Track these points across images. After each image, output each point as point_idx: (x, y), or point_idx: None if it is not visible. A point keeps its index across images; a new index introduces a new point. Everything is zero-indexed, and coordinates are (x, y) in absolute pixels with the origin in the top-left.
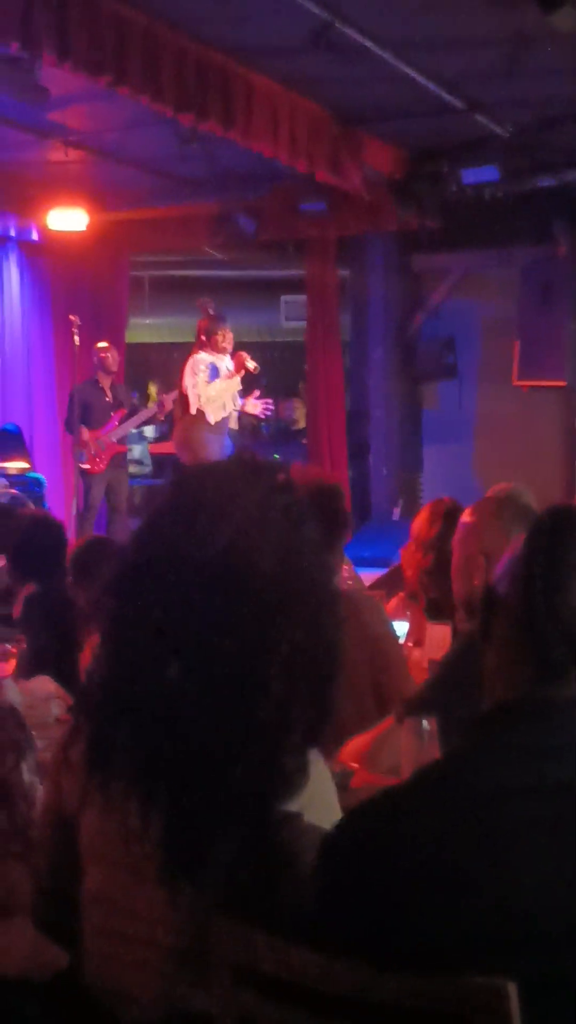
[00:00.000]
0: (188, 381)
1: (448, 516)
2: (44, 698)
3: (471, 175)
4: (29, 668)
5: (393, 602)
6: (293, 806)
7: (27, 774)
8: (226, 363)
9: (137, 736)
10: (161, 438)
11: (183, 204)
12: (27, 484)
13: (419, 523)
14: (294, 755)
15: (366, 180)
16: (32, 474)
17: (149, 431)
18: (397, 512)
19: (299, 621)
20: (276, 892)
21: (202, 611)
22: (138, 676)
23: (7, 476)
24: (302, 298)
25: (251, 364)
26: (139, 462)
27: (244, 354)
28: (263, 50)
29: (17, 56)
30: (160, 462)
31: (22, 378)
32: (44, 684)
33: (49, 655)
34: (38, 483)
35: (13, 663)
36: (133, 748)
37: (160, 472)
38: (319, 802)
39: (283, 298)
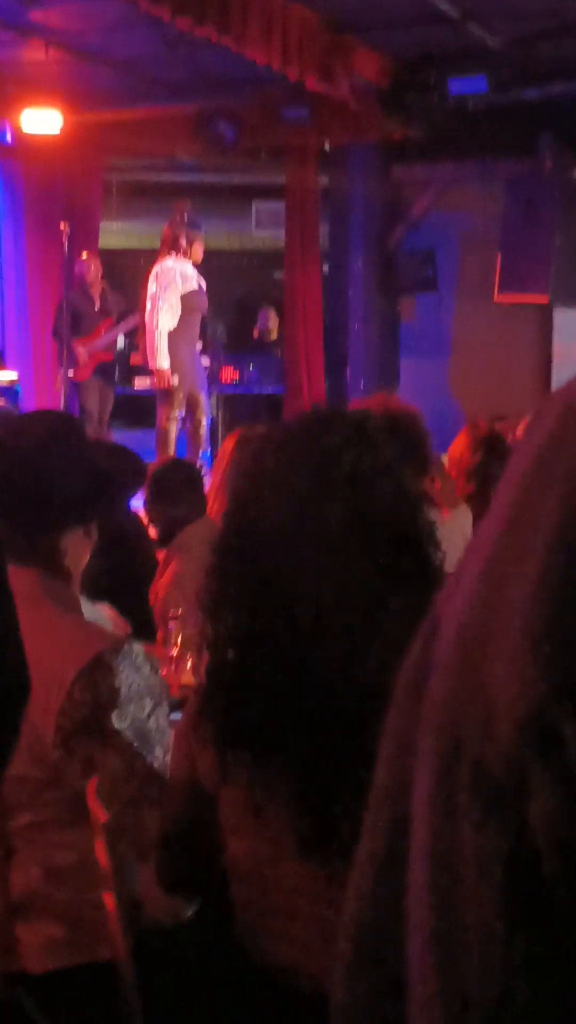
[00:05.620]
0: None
1: (488, 443)
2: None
3: (459, 85)
4: (90, 593)
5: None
6: None
7: (163, 720)
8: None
9: (271, 708)
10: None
11: (161, 108)
12: (12, 394)
13: (459, 449)
14: None
15: (354, 88)
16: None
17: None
18: None
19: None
20: None
21: (330, 565)
22: (273, 647)
23: None
24: (275, 205)
25: None
26: None
27: None
28: None
29: None
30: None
31: None
32: (104, 610)
33: (107, 581)
34: (14, 393)
35: None
36: (267, 720)
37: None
38: None
39: (255, 204)
